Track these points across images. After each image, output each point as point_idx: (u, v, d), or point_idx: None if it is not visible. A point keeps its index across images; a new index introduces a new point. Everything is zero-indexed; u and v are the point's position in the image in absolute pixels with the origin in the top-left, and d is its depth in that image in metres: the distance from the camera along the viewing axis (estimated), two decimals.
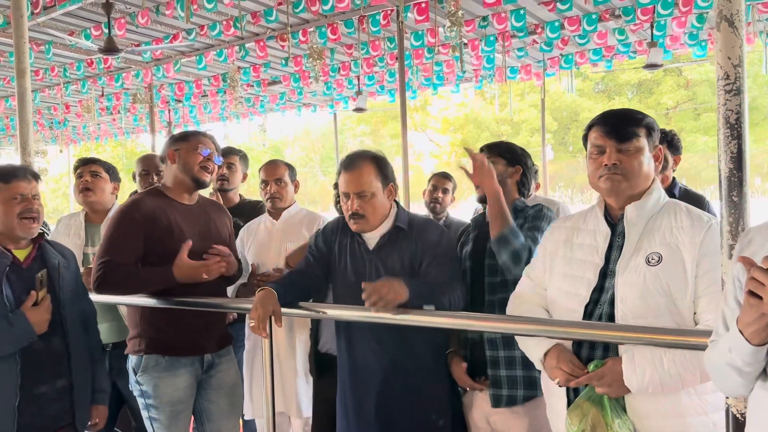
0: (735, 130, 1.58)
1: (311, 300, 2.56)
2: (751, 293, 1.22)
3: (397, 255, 2.38)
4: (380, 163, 2.42)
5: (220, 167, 3.66)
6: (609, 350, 1.83)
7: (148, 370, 2.58)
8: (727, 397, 1.59)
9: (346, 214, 2.43)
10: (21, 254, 2.28)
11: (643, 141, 1.85)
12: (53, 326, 2.25)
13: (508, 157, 2.53)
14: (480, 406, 2.41)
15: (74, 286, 2.41)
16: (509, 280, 2.30)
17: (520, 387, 2.31)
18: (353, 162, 2.41)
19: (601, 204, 1.98)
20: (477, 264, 2.44)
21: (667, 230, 1.82)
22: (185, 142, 2.65)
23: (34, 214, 2.26)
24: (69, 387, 2.30)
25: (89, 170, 3.22)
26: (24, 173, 2.30)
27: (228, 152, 3.73)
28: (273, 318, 2.31)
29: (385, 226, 2.43)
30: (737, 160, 1.58)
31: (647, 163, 1.86)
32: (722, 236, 1.61)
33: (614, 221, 1.94)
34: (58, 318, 2.27)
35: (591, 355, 1.85)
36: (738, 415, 1.55)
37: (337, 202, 3.28)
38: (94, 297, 2.65)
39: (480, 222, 2.52)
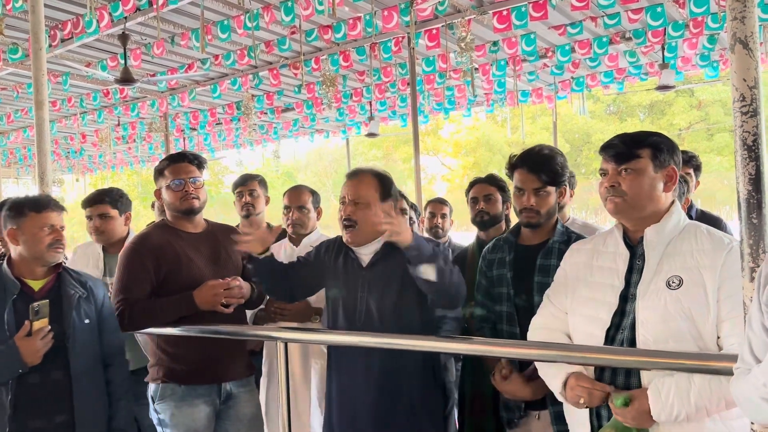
0: (752, 151, 1.56)
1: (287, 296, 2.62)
2: None
3: (390, 271, 2.36)
4: (382, 179, 2.43)
5: (242, 197, 3.67)
6: (631, 375, 1.81)
7: (165, 398, 2.58)
8: (752, 422, 1.56)
9: (339, 222, 2.43)
10: (36, 284, 2.28)
11: (644, 162, 1.84)
12: (55, 359, 2.19)
13: (560, 180, 2.39)
14: None
15: (94, 319, 2.35)
16: None
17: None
18: (356, 172, 2.47)
19: (620, 226, 1.96)
20: (522, 287, 2.37)
21: (687, 253, 1.80)
22: (161, 178, 2.66)
23: (63, 245, 2.30)
24: (72, 423, 2.22)
25: (97, 213, 3.21)
26: (56, 204, 2.33)
27: (247, 179, 3.73)
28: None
29: (379, 243, 2.41)
30: (756, 182, 1.56)
31: (651, 183, 1.84)
32: (742, 259, 1.59)
33: (633, 243, 1.92)
34: (62, 351, 2.22)
35: (613, 380, 1.83)
36: None
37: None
38: None
39: (512, 243, 2.46)
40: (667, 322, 1.74)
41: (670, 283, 1.77)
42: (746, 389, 1.36)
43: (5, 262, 2.29)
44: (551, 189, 2.36)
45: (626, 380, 1.81)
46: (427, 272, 2.15)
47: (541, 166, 2.35)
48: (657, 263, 1.82)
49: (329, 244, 2.57)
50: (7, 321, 2.16)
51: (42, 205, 2.29)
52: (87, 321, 2.32)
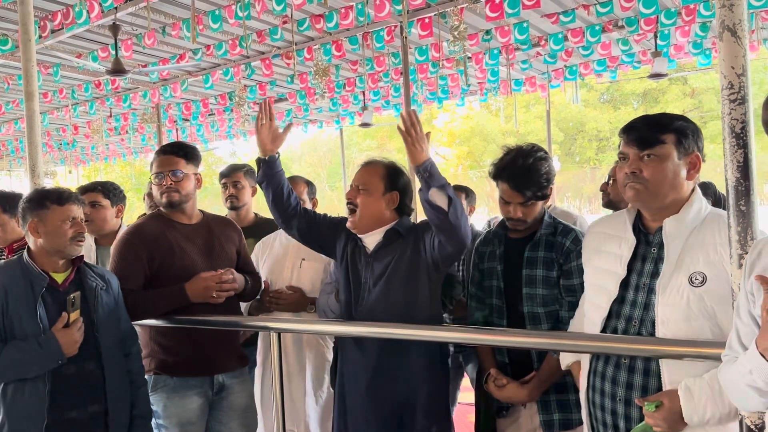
0: (741, 139, 1.57)
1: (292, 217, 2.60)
2: None
3: (393, 256, 2.39)
4: (391, 170, 2.49)
5: (226, 188, 3.65)
6: (650, 375, 1.75)
7: (157, 390, 2.58)
8: (740, 412, 1.57)
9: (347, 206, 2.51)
10: (59, 277, 2.28)
11: (668, 148, 1.73)
12: (87, 350, 2.22)
13: (546, 192, 2.35)
14: (524, 424, 2.35)
15: (114, 309, 2.38)
16: (553, 294, 2.29)
17: (574, 410, 2.22)
18: (369, 161, 2.55)
19: (633, 210, 1.88)
20: (512, 280, 2.37)
21: (711, 246, 1.70)
22: (151, 172, 2.68)
23: (84, 237, 2.32)
24: (104, 413, 2.26)
25: (88, 201, 3.20)
26: (76, 197, 2.34)
27: (232, 170, 3.70)
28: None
29: (384, 230, 2.45)
30: (744, 169, 1.57)
31: (674, 170, 1.73)
32: (731, 246, 1.60)
33: (649, 232, 1.83)
34: (92, 341, 2.25)
35: (630, 380, 1.78)
36: (752, 427, 1.54)
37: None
38: None
39: (502, 236, 2.47)
40: (689, 321, 1.66)
41: (693, 279, 1.68)
42: (733, 376, 1.37)
43: (26, 254, 2.28)
44: (538, 201, 2.34)
45: (644, 380, 1.76)
46: (437, 198, 2.17)
47: (526, 182, 2.30)
48: (677, 257, 1.73)
49: (347, 232, 2.61)
50: (39, 314, 2.17)
51: (64, 197, 2.30)
52: (109, 312, 2.35)
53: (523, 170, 2.30)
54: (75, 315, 2.19)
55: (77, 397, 2.22)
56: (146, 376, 2.61)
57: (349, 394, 2.47)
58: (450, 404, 2.54)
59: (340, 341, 2.56)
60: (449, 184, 2.24)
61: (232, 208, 3.64)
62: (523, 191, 2.30)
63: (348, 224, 2.48)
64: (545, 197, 2.36)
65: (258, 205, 3.81)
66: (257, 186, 3.76)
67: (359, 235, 2.50)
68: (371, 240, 2.47)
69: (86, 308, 2.27)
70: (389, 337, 2.28)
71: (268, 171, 2.56)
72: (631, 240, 1.83)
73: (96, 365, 2.26)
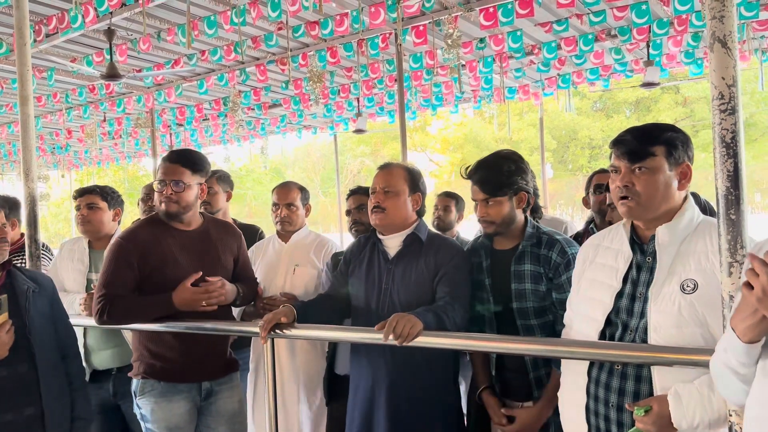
0: (731, 148, 1.59)
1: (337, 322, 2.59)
2: (747, 285, 1.21)
3: (414, 266, 2.43)
4: (411, 172, 2.56)
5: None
6: (641, 381, 1.77)
7: (145, 394, 2.58)
8: (730, 415, 1.59)
9: (369, 209, 2.52)
10: None
11: (659, 160, 1.76)
12: (19, 352, 2.20)
13: (506, 189, 2.34)
14: None
15: (48, 312, 2.37)
16: (544, 306, 2.30)
17: None
18: (388, 164, 2.60)
19: (628, 224, 1.90)
20: (501, 293, 2.37)
21: (702, 254, 1.73)
22: (156, 177, 2.66)
23: (8, 241, 2.31)
24: (40, 415, 2.24)
25: (86, 203, 3.20)
26: None
27: None
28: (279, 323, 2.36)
29: (405, 234, 2.49)
30: (734, 179, 1.59)
31: (666, 182, 1.77)
32: (720, 254, 1.62)
33: (643, 241, 1.85)
34: (25, 344, 2.23)
35: (622, 386, 1.80)
36: None
37: (351, 227, 3.30)
38: (87, 321, 2.66)
39: (488, 247, 2.47)
40: (680, 328, 1.69)
41: (685, 287, 1.71)
42: (715, 363, 1.39)
43: None
44: (501, 198, 2.34)
45: (636, 386, 1.78)
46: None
47: (485, 178, 2.36)
48: (669, 264, 1.75)
49: (354, 246, 2.66)
50: None
51: None
52: (43, 314, 2.34)
53: (484, 167, 2.39)
54: (3, 318, 2.16)
55: (11, 400, 2.20)
56: (135, 380, 2.61)
57: (359, 401, 2.47)
58: (463, 415, 2.55)
59: (353, 354, 2.56)
60: (430, 317, 2.21)
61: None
62: (483, 186, 2.36)
63: (373, 221, 2.51)
64: (506, 193, 2.34)
65: (237, 210, 3.79)
66: (231, 191, 3.75)
67: (380, 237, 2.53)
68: (392, 243, 2.51)
69: (18, 311, 2.25)
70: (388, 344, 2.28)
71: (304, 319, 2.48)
72: (627, 253, 1.85)
73: (30, 367, 2.24)
